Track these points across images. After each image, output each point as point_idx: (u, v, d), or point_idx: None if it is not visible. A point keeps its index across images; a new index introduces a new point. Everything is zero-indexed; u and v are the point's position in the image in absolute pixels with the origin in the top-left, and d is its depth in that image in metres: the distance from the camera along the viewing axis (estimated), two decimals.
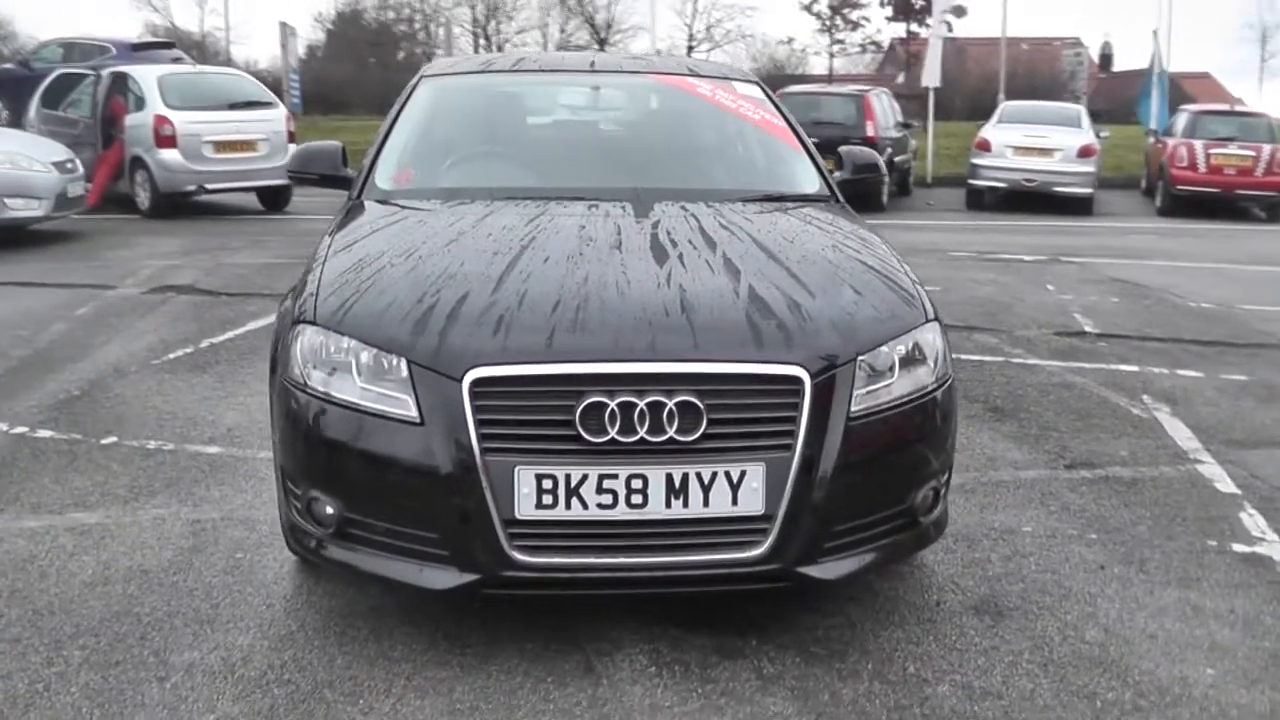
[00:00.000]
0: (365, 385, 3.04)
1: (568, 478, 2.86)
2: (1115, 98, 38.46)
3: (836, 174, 4.58)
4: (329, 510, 3.10)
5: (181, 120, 13.18)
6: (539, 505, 2.87)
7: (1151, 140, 18.89)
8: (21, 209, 10.87)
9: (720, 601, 3.44)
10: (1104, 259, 11.61)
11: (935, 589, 3.72)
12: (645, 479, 2.87)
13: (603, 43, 44.16)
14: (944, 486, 3.43)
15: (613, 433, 2.85)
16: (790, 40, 47.87)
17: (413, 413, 2.93)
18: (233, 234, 12.33)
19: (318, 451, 3.12)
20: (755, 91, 4.85)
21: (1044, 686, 3.13)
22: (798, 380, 2.97)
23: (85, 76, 14.61)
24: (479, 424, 2.87)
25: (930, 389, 3.29)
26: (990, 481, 4.78)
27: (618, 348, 2.95)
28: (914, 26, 41.64)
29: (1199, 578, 3.91)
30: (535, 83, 5.01)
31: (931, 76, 20.26)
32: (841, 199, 4.39)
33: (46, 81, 15.15)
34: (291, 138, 14.36)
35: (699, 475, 2.89)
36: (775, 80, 27.61)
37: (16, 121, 14.76)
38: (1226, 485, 4.83)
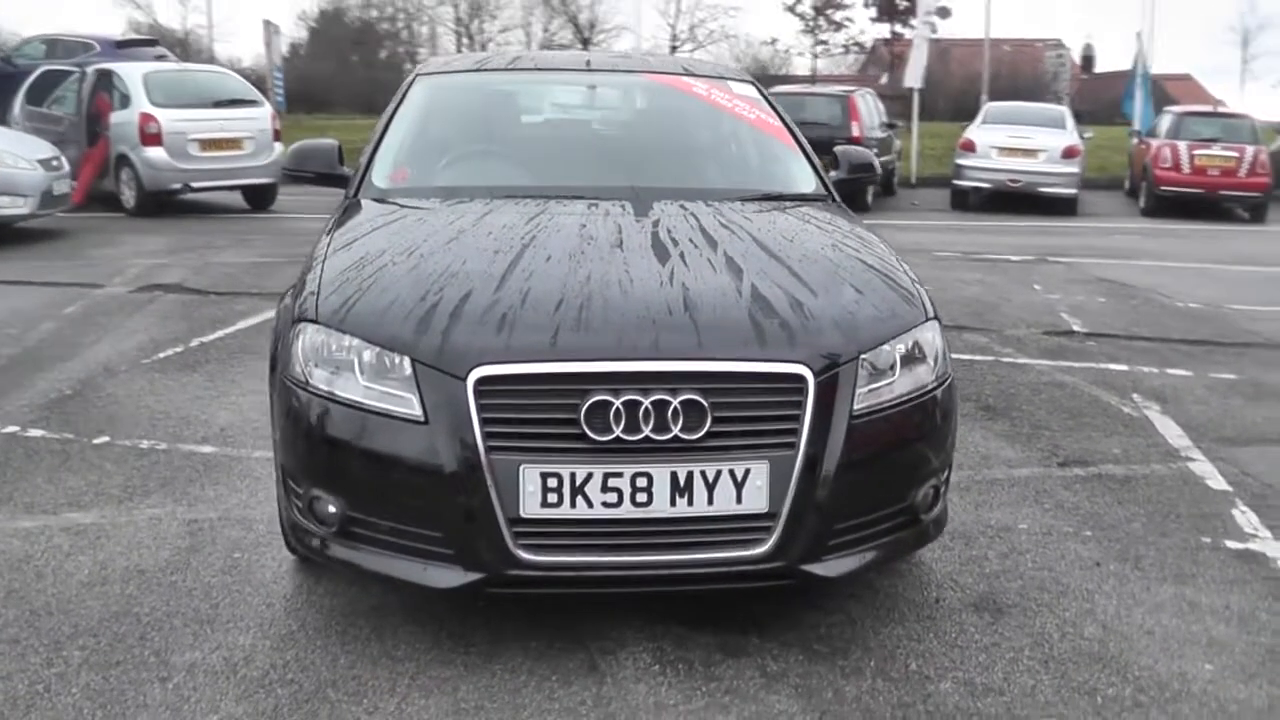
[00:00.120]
0: (368, 384, 3.03)
1: (573, 476, 2.86)
2: (1097, 99, 38.74)
3: (832, 173, 4.59)
4: (331, 509, 3.09)
5: (167, 118, 13.11)
6: (544, 504, 2.87)
7: (1135, 141, 19.00)
8: (7, 207, 10.81)
9: (722, 599, 3.44)
10: (1090, 259, 11.67)
11: (934, 586, 3.74)
12: (650, 477, 2.88)
13: (586, 42, 44.13)
14: (944, 484, 3.45)
15: (617, 431, 2.86)
16: (774, 41, 48.03)
17: (417, 411, 2.93)
18: (219, 233, 12.27)
19: (320, 450, 3.11)
20: (750, 91, 4.86)
21: (1045, 683, 3.15)
22: (801, 379, 2.98)
23: (70, 73, 14.52)
24: (483, 422, 2.87)
25: (930, 387, 3.31)
26: (985, 480, 4.80)
27: (622, 346, 2.95)
28: (898, 27, 41.75)
29: (1194, 574, 3.93)
30: (532, 81, 5.00)
31: (914, 77, 20.34)
32: (838, 198, 4.40)
33: (31, 78, 15.04)
34: (277, 136, 14.34)
35: (703, 473, 2.90)
36: (759, 80, 27.60)
37: (1, 119, 14.64)
38: (1218, 482, 4.86)
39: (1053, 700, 3.06)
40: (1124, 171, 19.61)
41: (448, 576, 2.96)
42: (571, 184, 4.15)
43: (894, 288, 3.46)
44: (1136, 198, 17.69)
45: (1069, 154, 16.49)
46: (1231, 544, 4.21)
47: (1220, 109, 20.72)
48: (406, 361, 2.98)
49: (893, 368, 3.20)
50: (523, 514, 2.87)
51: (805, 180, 4.42)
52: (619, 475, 2.87)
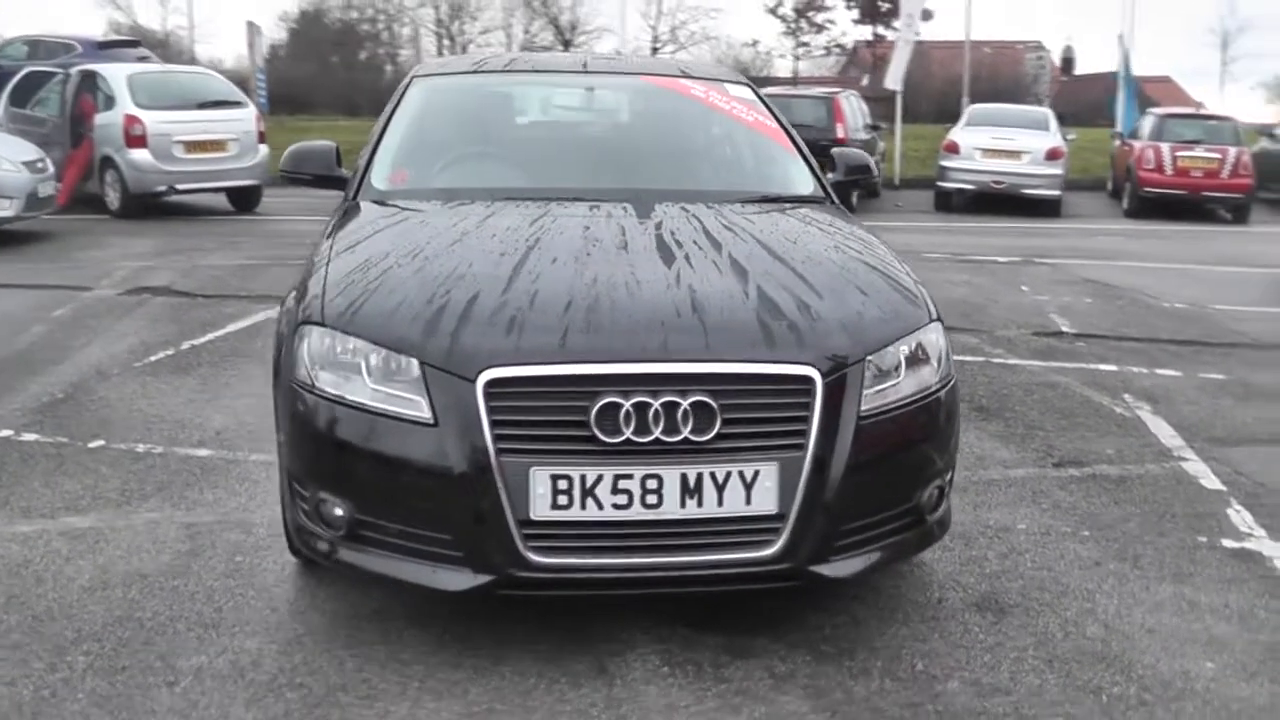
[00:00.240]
0: (375, 386, 3.03)
1: (583, 478, 2.86)
2: (1077, 101, 38.94)
3: (830, 175, 4.61)
4: (338, 512, 3.08)
5: (152, 120, 13.04)
6: (554, 506, 2.87)
7: (1117, 143, 19.12)
8: None
9: (728, 600, 3.45)
10: (1075, 260, 11.74)
11: (936, 586, 3.76)
12: (660, 479, 2.88)
13: (567, 44, 44.12)
14: (948, 485, 3.46)
15: (627, 433, 2.86)
16: (755, 43, 47.97)
17: (426, 414, 2.93)
18: (204, 235, 12.22)
19: (327, 453, 3.11)
20: (747, 93, 4.88)
21: (1051, 682, 3.17)
22: (809, 380, 3.00)
23: (54, 75, 14.42)
24: (493, 424, 2.87)
25: (934, 389, 3.33)
26: (981, 480, 4.83)
27: (631, 348, 2.96)
28: (880, 29, 41.88)
29: (1192, 573, 3.96)
30: (529, 83, 5.00)
31: (895, 79, 20.42)
32: (837, 200, 4.42)
33: (14, 80, 14.93)
34: (262, 138, 14.29)
35: (713, 475, 2.91)
36: None
37: None
38: (1212, 482, 4.90)
39: (1059, 699, 3.08)
40: (1106, 173, 19.73)
41: (457, 579, 2.96)
42: (572, 186, 4.15)
43: (897, 289, 3.48)
44: (1119, 199, 17.80)
45: (1052, 156, 16.58)
46: (1228, 543, 4.24)
47: (1203, 110, 20.86)
48: (415, 363, 2.97)
49: (897, 369, 3.22)
50: (533, 516, 2.87)
51: (803, 182, 4.44)
52: (629, 477, 2.87)
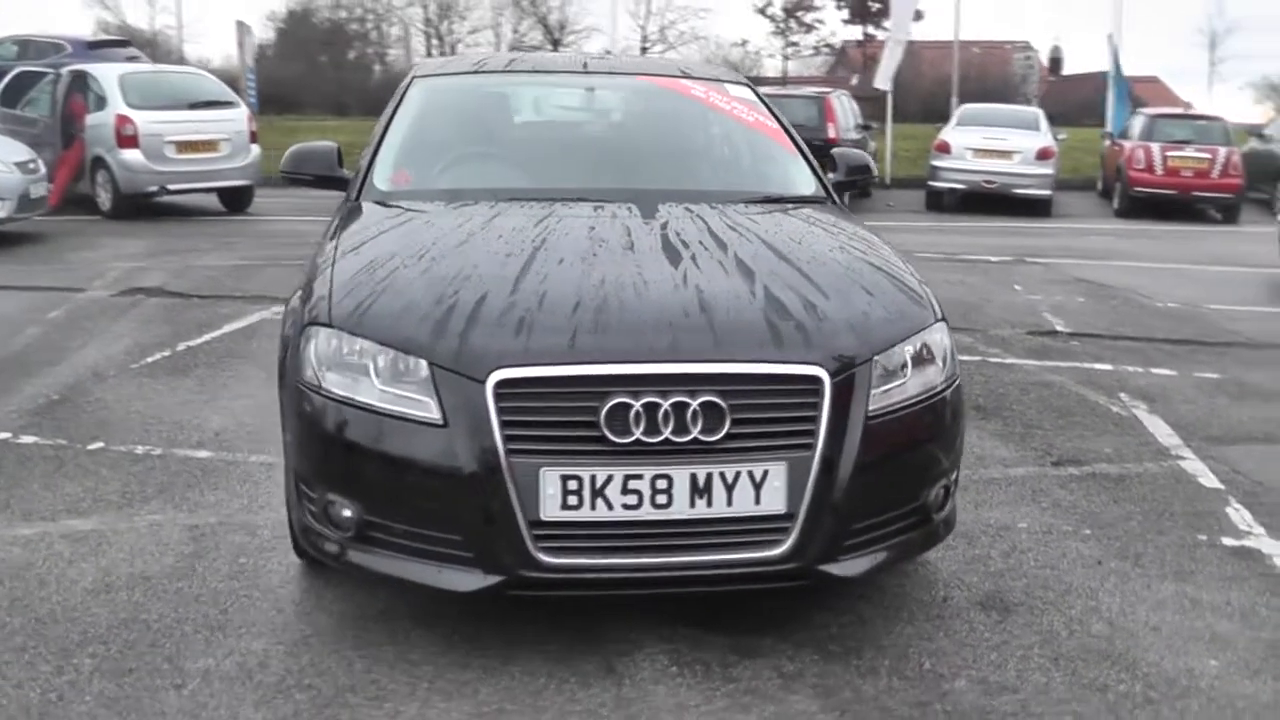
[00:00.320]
0: (384, 387, 3.02)
1: (593, 478, 2.87)
2: (1065, 101, 38.99)
3: (831, 175, 4.62)
4: (347, 513, 3.08)
5: (143, 120, 13.00)
6: (564, 506, 2.87)
7: (1108, 143, 19.18)
8: None
9: (731, 600, 3.45)
10: (1067, 259, 11.78)
11: (941, 585, 3.77)
12: (670, 479, 2.89)
13: (556, 43, 44.08)
14: (953, 485, 3.48)
15: (637, 433, 2.87)
16: (744, 42, 47.95)
17: (435, 415, 2.93)
18: (197, 235, 12.19)
19: (335, 454, 3.10)
20: (747, 94, 4.88)
21: (1057, 680, 3.18)
22: (818, 380, 3.00)
23: (44, 75, 14.37)
24: (503, 425, 2.87)
25: (940, 388, 3.34)
26: (982, 479, 4.84)
27: (640, 348, 2.96)
28: (871, 29, 41.94)
29: (1193, 571, 3.98)
30: (530, 84, 5.00)
31: (885, 79, 20.45)
32: (838, 200, 4.43)
33: (5, 80, 14.87)
34: (254, 138, 14.26)
35: (722, 475, 2.91)
36: None
37: None
38: (1210, 480, 4.92)
39: (1066, 698, 3.09)
40: (1097, 173, 19.79)
41: (467, 579, 2.96)
42: (575, 186, 4.15)
43: (903, 289, 3.49)
44: (1110, 199, 17.86)
45: (1043, 155, 16.63)
46: (1227, 541, 4.26)
47: (1192, 110, 20.95)
48: (423, 364, 2.97)
49: (904, 369, 3.23)
50: (543, 516, 2.88)
51: (805, 182, 4.45)
52: (639, 477, 2.88)
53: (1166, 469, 5.08)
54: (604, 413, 2.86)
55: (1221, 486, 4.85)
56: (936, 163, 17.02)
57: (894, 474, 3.19)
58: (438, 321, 3.04)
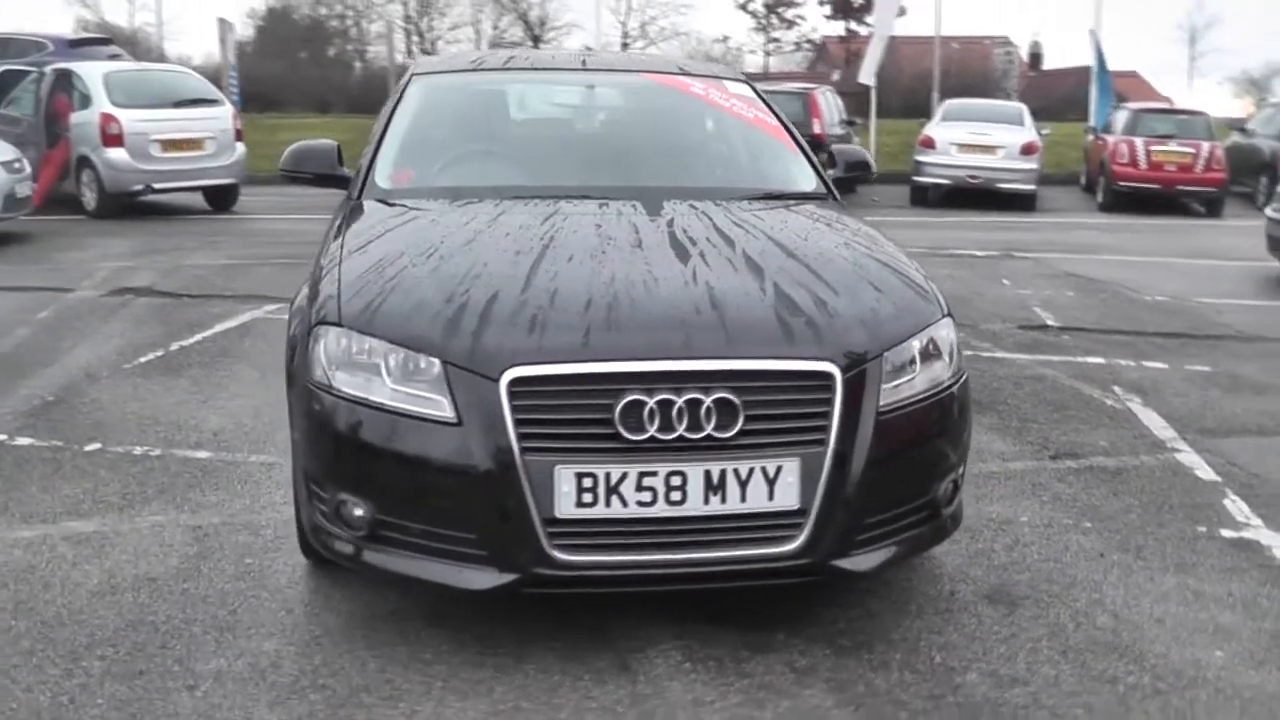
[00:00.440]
0: (395, 386, 3.02)
1: (608, 476, 2.87)
2: (1046, 95, 39.11)
3: (830, 172, 4.63)
4: (359, 513, 3.07)
5: (128, 118, 12.93)
6: (579, 504, 2.88)
7: (1091, 137, 19.27)
8: None
9: (742, 596, 3.46)
10: (1054, 254, 11.84)
11: (947, 579, 3.79)
12: (684, 476, 2.90)
13: (536, 40, 43.99)
14: (961, 479, 3.49)
15: (652, 430, 2.87)
16: (725, 38, 47.91)
17: (449, 413, 2.93)
18: (183, 234, 12.13)
19: (347, 454, 3.10)
20: (746, 90, 4.89)
21: (1066, 672, 3.20)
22: (830, 376, 3.02)
23: (27, 73, 14.27)
24: (517, 423, 2.87)
25: (947, 384, 3.36)
26: (981, 473, 4.86)
27: (654, 346, 2.97)
28: (853, 25, 41.96)
29: (1194, 563, 4.01)
30: (530, 81, 5.00)
31: (869, 74, 20.50)
32: (839, 196, 4.45)
33: None
34: (239, 136, 14.19)
35: (736, 471, 2.92)
36: None
37: None
38: (1207, 473, 4.96)
39: (1077, 690, 3.11)
40: (1080, 167, 19.89)
41: (482, 578, 2.96)
42: (577, 184, 4.15)
43: (909, 285, 3.51)
44: (1093, 193, 17.96)
45: (1027, 150, 16.70)
46: (1226, 533, 4.30)
47: (1175, 105, 21.07)
48: (436, 363, 2.97)
49: (912, 364, 3.24)
50: (557, 514, 2.88)
51: (806, 179, 4.46)
52: (653, 474, 2.88)
53: (1163, 462, 5.11)
54: (618, 410, 2.86)
55: (1218, 479, 4.88)
56: (921, 158, 17.08)
57: (904, 469, 3.21)
58: (449, 320, 3.03)
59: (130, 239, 11.54)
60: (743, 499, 2.93)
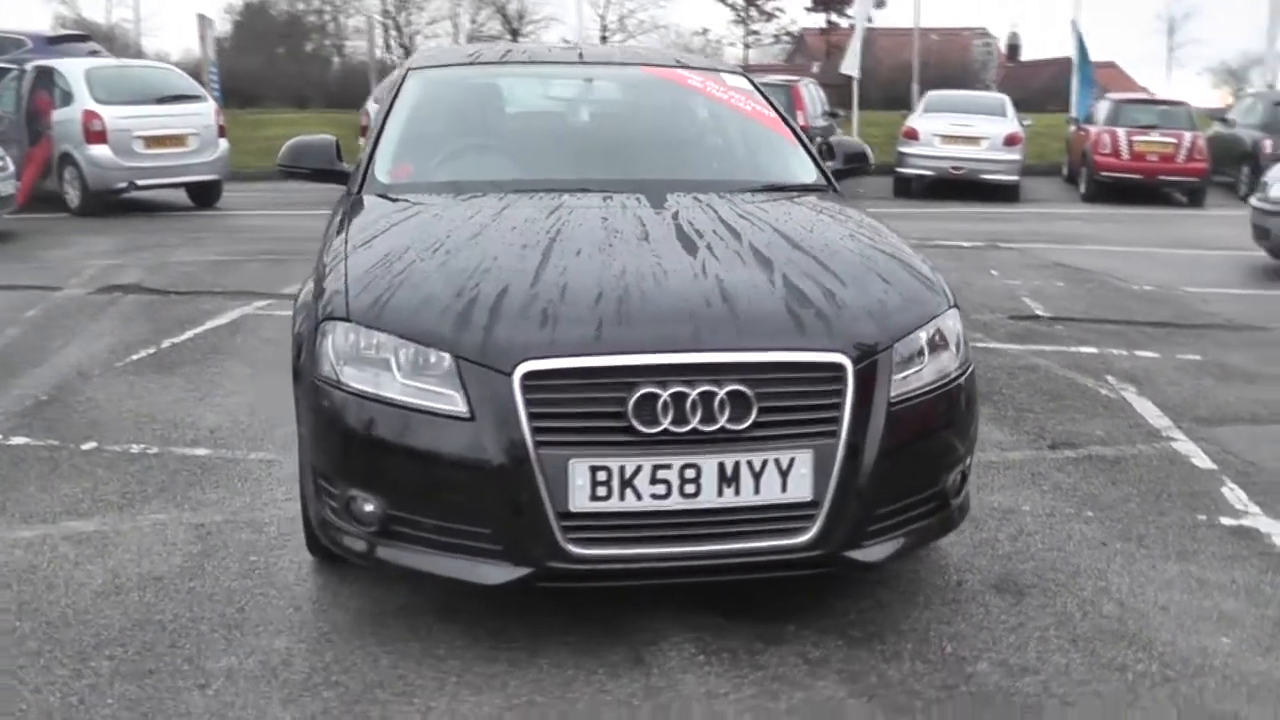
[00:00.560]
0: (406, 381, 3.01)
1: (622, 469, 2.87)
2: (1025, 86, 39.28)
3: (829, 164, 4.64)
4: (370, 509, 3.06)
5: (111, 115, 12.84)
6: (593, 497, 2.87)
7: (1073, 128, 19.35)
8: None
9: (752, 588, 3.46)
10: (1039, 244, 11.89)
11: (953, 569, 3.80)
12: (698, 468, 2.89)
13: (515, 33, 43.88)
14: (968, 470, 3.51)
15: (665, 423, 2.87)
16: (705, 31, 47.97)
17: (461, 408, 2.92)
18: (167, 231, 12.06)
19: (357, 449, 3.08)
20: (743, 83, 4.89)
21: (1076, 661, 3.22)
22: (841, 368, 3.02)
23: (7, 70, 14.14)
24: (531, 417, 2.86)
25: (955, 374, 3.37)
26: (981, 463, 4.86)
27: (666, 338, 2.96)
28: (834, 17, 42.01)
29: (1196, 551, 4.04)
30: (527, 75, 4.98)
31: (852, 66, 20.53)
32: (838, 188, 4.45)
33: None
34: (222, 132, 14.12)
35: (749, 463, 2.92)
36: None
37: None
38: (1203, 461, 4.99)
39: (1087, 678, 3.13)
40: (1062, 158, 19.97)
41: (496, 572, 2.95)
42: (578, 177, 4.13)
43: (916, 276, 3.51)
44: (1076, 184, 18.04)
45: (1010, 141, 16.77)
46: (1226, 521, 4.33)
47: (1157, 96, 21.17)
48: (447, 358, 2.96)
49: (920, 355, 3.25)
50: (572, 508, 2.87)
51: (806, 171, 4.46)
52: (667, 467, 2.88)
53: (1160, 450, 5.14)
54: (631, 403, 2.86)
55: (1215, 467, 4.91)
56: (904, 149, 17.11)
57: (915, 460, 3.21)
58: (460, 314, 3.02)
59: (115, 236, 11.46)
60: (756, 491, 2.93)
